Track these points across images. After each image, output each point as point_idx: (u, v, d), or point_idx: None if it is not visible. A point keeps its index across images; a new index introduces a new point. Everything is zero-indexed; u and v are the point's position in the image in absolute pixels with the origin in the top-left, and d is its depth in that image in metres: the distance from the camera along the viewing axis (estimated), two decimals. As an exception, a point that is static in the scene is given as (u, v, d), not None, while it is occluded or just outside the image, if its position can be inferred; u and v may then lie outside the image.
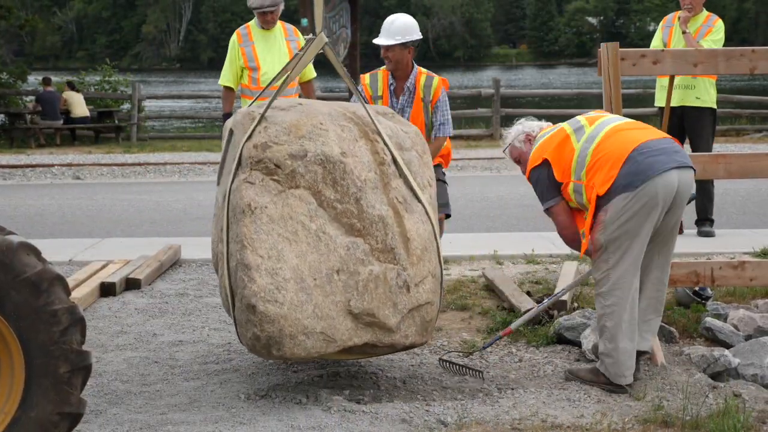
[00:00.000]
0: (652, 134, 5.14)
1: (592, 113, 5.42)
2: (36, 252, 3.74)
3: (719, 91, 9.30)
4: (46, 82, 22.72)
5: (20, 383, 3.72)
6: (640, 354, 5.17)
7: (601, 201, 5.00)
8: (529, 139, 5.40)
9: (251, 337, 4.70)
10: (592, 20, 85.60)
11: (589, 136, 5.12)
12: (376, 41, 6.51)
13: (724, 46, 8.77)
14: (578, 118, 5.31)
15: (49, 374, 3.72)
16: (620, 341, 4.98)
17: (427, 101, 6.61)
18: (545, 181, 5.22)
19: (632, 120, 5.33)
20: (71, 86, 22.84)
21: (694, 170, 5.14)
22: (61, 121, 22.29)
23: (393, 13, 6.78)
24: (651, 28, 78.44)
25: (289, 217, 4.76)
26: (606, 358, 5.02)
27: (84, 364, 3.80)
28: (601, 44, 5.96)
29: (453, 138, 7.45)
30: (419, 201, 5.01)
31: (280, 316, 4.64)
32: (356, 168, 4.86)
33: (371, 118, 5.04)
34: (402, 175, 5.01)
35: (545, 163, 5.20)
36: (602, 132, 5.11)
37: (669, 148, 5.06)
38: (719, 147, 18.43)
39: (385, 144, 4.99)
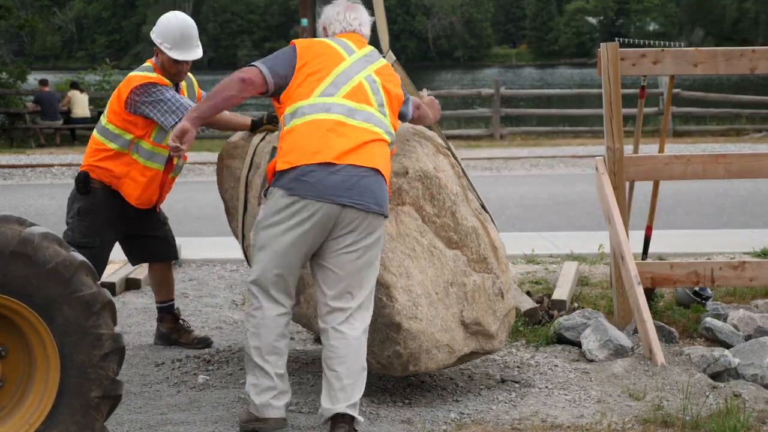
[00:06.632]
0: None
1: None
2: (93, 274, 3.75)
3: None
4: (43, 83, 22.71)
5: (51, 399, 3.70)
6: None
7: None
8: None
9: (391, 354, 4.69)
10: (592, 20, 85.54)
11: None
12: None
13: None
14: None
15: (80, 396, 3.70)
16: None
17: None
18: None
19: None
20: (75, 86, 22.80)
21: None
22: (61, 121, 22.28)
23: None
24: (651, 28, 78.48)
25: (405, 233, 4.78)
26: None
27: (115, 393, 3.78)
28: (601, 44, 5.97)
29: (453, 138, 7.44)
30: (486, 210, 5.17)
31: (420, 332, 4.67)
32: (448, 182, 4.93)
33: (437, 132, 5.13)
34: (471, 186, 5.16)
35: None
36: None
37: None
38: (719, 147, 18.43)
39: (455, 157, 5.12)
